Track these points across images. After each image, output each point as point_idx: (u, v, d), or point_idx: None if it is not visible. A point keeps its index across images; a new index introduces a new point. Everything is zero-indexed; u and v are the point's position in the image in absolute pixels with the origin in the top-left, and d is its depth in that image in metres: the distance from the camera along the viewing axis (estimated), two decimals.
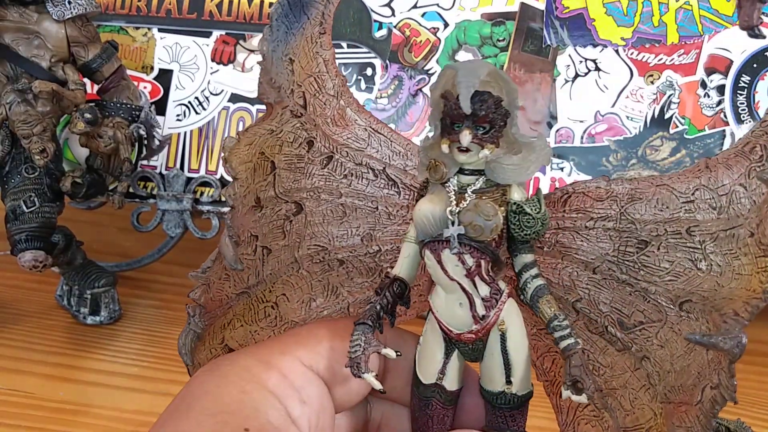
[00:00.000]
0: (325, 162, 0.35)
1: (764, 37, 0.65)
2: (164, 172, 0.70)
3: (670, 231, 0.31)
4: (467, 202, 0.30)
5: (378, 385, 0.31)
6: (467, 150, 0.29)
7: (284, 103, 0.35)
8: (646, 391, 0.33)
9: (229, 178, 0.74)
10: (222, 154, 0.33)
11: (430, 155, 0.30)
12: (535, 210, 0.30)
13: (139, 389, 0.57)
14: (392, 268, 0.33)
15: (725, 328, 0.30)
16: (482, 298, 0.30)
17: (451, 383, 0.32)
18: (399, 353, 0.31)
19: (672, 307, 0.32)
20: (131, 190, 0.69)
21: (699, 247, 0.31)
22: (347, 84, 0.36)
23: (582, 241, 0.33)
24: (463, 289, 0.30)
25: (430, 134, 0.31)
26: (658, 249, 0.32)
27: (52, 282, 0.69)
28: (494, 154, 0.29)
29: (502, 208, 0.30)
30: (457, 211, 0.30)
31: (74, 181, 0.61)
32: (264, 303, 0.36)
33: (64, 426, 0.53)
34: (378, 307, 0.31)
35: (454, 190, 0.30)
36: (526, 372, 0.31)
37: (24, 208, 0.60)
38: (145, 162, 0.69)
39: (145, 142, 0.65)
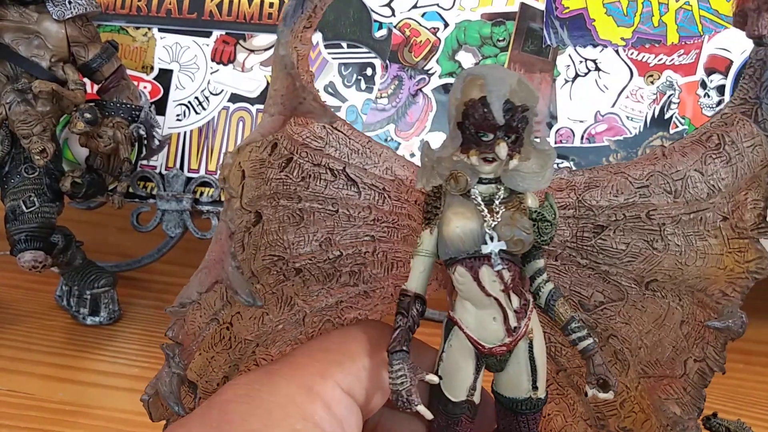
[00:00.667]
0: (283, 165, 0.33)
1: None
2: (164, 172, 0.70)
3: (629, 215, 0.32)
4: (499, 214, 0.29)
5: (430, 416, 0.30)
6: (493, 160, 0.29)
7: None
8: (613, 366, 0.34)
9: None
10: (220, 175, 0.29)
11: (446, 165, 0.29)
12: (552, 216, 0.30)
13: (138, 390, 0.57)
14: (356, 270, 0.32)
15: (727, 310, 0.31)
16: (515, 311, 0.30)
17: (478, 397, 0.31)
18: (441, 377, 0.31)
19: (634, 286, 0.33)
20: (131, 190, 0.69)
21: (657, 229, 0.32)
22: (314, 79, 0.33)
23: None
24: (499, 304, 0.30)
25: (425, 137, 0.30)
26: (614, 232, 0.33)
27: (52, 282, 0.68)
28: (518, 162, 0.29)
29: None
30: (493, 225, 0.29)
31: (74, 181, 0.61)
32: (220, 325, 0.34)
33: (63, 427, 0.53)
34: (407, 332, 0.30)
35: (482, 203, 0.29)
36: (545, 375, 0.31)
37: (23, 208, 0.60)
38: (144, 162, 0.69)
39: (145, 142, 0.65)
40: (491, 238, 0.29)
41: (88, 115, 0.59)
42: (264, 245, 0.33)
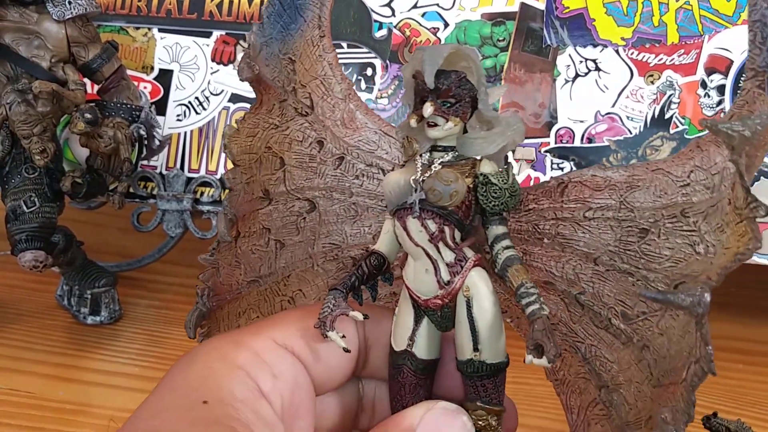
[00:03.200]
0: (337, 163, 0.37)
1: None
2: (164, 172, 0.70)
3: (667, 215, 0.31)
4: (432, 171, 0.31)
5: (341, 343, 0.31)
6: (435, 125, 0.31)
7: (280, 96, 0.36)
8: (648, 382, 0.33)
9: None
10: (222, 141, 0.36)
11: (404, 133, 0.32)
12: (502, 181, 0.31)
13: (139, 389, 0.57)
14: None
15: (686, 286, 0.29)
16: (447, 264, 0.31)
17: (421, 351, 0.32)
18: (366, 316, 0.32)
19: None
20: (131, 190, 0.69)
21: (695, 228, 0.31)
22: (353, 87, 0.37)
23: (583, 232, 0.33)
24: (428, 255, 0.31)
25: (401, 112, 0.32)
26: (659, 236, 0.31)
27: (53, 282, 0.69)
28: (470, 131, 0.31)
29: (470, 179, 0.31)
30: (421, 179, 0.31)
31: (74, 181, 0.61)
32: (280, 296, 0.38)
33: (64, 426, 0.53)
34: (353, 277, 0.33)
35: (423, 163, 0.32)
36: (495, 340, 0.31)
37: (24, 208, 0.60)
38: (145, 162, 0.69)
39: (146, 142, 0.65)
40: (415, 190, 0.31)
41: (88, 116, 0.59)
42: (323, 233, 0.37)
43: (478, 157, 0.32)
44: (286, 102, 0.36)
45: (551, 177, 0.33)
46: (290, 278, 0.38)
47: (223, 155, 0.70)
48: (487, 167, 0.31)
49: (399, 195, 0.32)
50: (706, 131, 0.30)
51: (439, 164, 0.31)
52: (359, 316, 0.32)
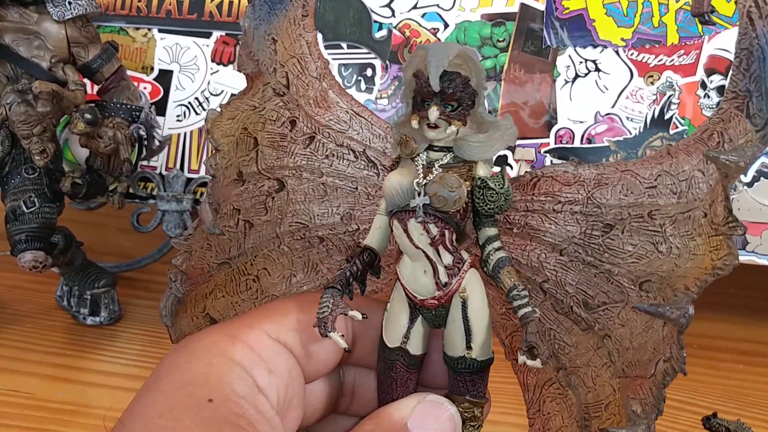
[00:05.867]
0: (307, 142, 0.36)
1: (714, 24, 0.65)
2: (164, 172, 0.70)
3: (633, 215, 0.33)
4: (434, 174, 0.31)
5: (343, 344, 0.31)
6: (436, 126, 0.31)
7: (265, 79, 0.36)
8: (608, 368, 0.34)
9: None
10: (205, 126, 0.34)
11: (401, 132, 0.32)
12: (499, 185, 0.31)
13: (138, 390, 0.57)
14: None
15: (673, 299, 0.31)
16: (445, 266, 0.32)
17: (414, 348, 0.33)
18: (365, 315, 0.32)
19: (633, 287, 0.33)
20: (131, 190, 0.69)
21: (659, 230, 0.32)
22: (329, 67, 0.36)
23: (550, 224, 0.34)
24: (428, 257, 0.32)
25: (401, 112, 0.32)
26: (622, 233, 0.33)
27: (52, 282, 0.69)
28: (461, 131, 0.31)
29: (468, 183, 0.31)
30: (423, 183, 0.31)
31: (74, 182, 0.61)
32: (245, 275, 0.38)
33: (63, 426, 0.53)
34: (347, 274, 0.33)
35: (423, 164, 0.32)
36: (486, 338, 0.32)
37: (24, 208, 0.60)
38: (145, 162, 0.69)
39: (145, 142, 0.65)
40: (419, 194, 0.31)
41: (88, 116, 0.59)
42: (290, 212, 0.37)
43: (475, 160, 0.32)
44: (269, 84, 0.36)
45: (526, 171, 0.34)
46: (257, 258, 0.38)
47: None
48: (482, 171, 0.32)
49: (401, 197, 0.32)
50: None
51: (440, 167, 0.31)
52: (358, 315, 0.32)
